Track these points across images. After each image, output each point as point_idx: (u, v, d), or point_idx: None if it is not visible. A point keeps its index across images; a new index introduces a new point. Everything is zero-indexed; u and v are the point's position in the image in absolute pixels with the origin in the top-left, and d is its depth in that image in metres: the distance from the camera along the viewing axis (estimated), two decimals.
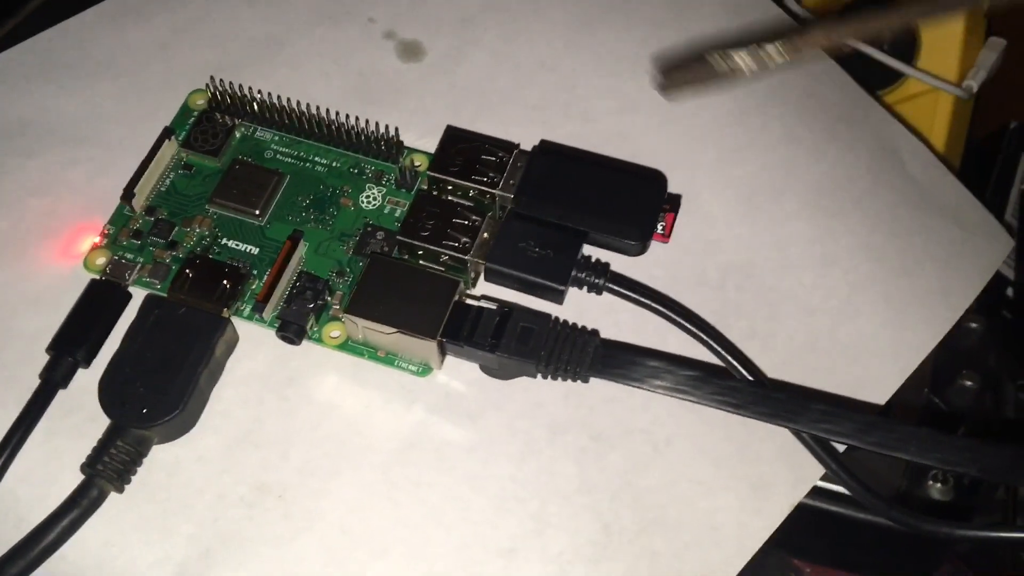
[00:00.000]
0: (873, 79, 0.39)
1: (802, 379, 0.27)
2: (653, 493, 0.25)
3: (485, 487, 0.24)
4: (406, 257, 0.25)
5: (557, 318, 0.24)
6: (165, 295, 0.25)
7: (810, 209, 0.30)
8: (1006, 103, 0.43)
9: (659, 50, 0.32)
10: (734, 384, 0.22)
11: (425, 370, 0.25)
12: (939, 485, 0.31)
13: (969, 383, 0.34)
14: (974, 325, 0.36)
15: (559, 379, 0.24)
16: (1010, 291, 0.40)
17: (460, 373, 0.25)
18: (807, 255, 0.29)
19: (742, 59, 0.22)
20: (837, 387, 0.27)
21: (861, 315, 0.28)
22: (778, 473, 0.25)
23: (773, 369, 0.27)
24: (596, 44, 0.32)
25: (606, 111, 0.30)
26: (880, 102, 0.33)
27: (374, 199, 0.27)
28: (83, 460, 0.23)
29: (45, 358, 0.25)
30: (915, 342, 0.28)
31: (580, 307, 0.26)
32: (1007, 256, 0.31)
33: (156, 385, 0.23)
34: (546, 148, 0.26)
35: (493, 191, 0.25)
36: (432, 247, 0.24)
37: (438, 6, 0.32)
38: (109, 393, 0.23)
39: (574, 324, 0.24)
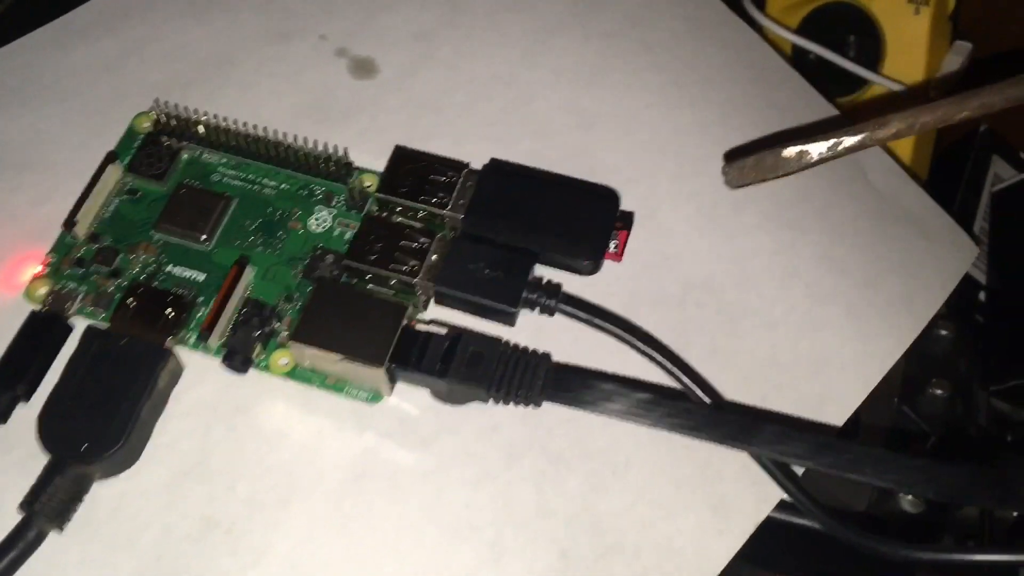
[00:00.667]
0: (837, 84, 0.39)
1: (763, 395, 0.26)
2: (612, 517, 0.24)
3: (440, 515, 0.24)
4: (355, 281, 0.25)
5: (508, 341, 0.23)
6: (107, 325, 0.24)
7: (771, 221, 0.29)
8: None
9: (618, 64, 0.31)
10: (687, 406, 0.22)
11: (375, 397, 0.24)
12: (910, 498, 0.30)
13: (939, 391, 0.34)
14: (944, 332, 0.36)
15: (511, 404, 0.23)
16: (982, 295, 0.39)
17: (413, 398, 0.25)
18: (768, 268, 0.28)
19: (817, 150, 0.21)
20: (799, 402, 0.26)
21: (823, 328, 0.28)
22: (740, 493, 0.25)
23: (735, 385, 0.26)
24: (553, 58, 0.31)
25: (563, 126, 0.30)
26: (842, 111, 0.33)
27: (324, 221, 0.26)
28: (22, 498, 0.22)
29: None
30: (879, 354, 0.27)
31: (538, 329, 0.26)
32: (974, 262, 0.31)
33: (97, 419, 0.23)
34: (496, 167, 0.26)
35: (443, 212, 0.25)
36: (380, 271, 0.24)
37: (392, 22, 0.32)
38: (48, 428, 0.23)
39: (525, 347, 0.23)
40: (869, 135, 0.21)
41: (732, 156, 0.24)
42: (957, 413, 0.34)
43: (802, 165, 0.22)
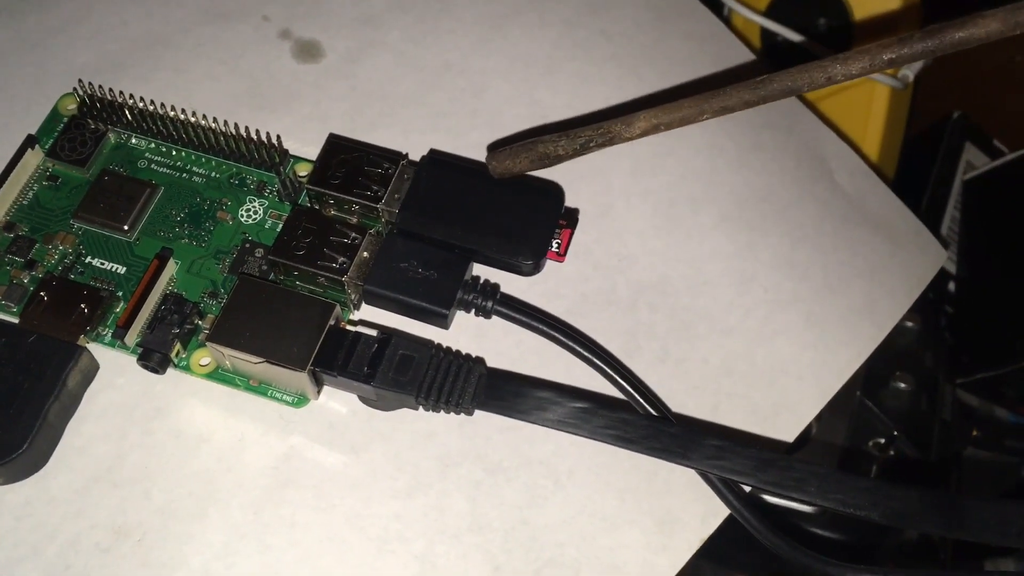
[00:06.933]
0: None
1: (715, 404, 0.25)
2: (551, 530, 0.23)
3: (366, 527, 0.22)
4: (281, 278, 0.23)
5: (440, 345, 0.22)
6: (17, 320, 0.23)
7: (730, 222, 0.28)
8: (948, 92, 0.42)
9: (576, 53, 0.30)
10: (625, 417, 0.20)
11: (301, 401, 0.23)
12: None
13: (903, 384, 0.33)
14: (910, 324, 0.35)
15: (441, 412, 0.22)
16: (951, 285, 0.38)
17: (342, 401, 0.24)
18: (725, 271, 0.27)
19: (563, 147, 0.22)
20: (752, 413, 0.25)
21: (781, 336, 0.26)
22: (687, 507, 0.24)
23: (685, 394, 0.25)
24: (508, 45, 0.30)
25: (516, 118, 0.28)
26: (810, 106, 0.32)
27: (255, 213, 0.25)
28: None
29: None
30: (838, 364, 0.26)
31: (476, 332, 0.24)
32: (940, 268, 0.30)
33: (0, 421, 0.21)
34: (435, 159, 0.24)
35: (376, 205, 0.23)
36: (307, 268, 0.22)
37: (339, 4, 0.30)
38: None
39: (458, 352, 0.22)
40: (617, 134, 0.22)
41: (495, 147, 0.26)
42: (921, 407, 0.33)
43: (553, 160, 0.23)
